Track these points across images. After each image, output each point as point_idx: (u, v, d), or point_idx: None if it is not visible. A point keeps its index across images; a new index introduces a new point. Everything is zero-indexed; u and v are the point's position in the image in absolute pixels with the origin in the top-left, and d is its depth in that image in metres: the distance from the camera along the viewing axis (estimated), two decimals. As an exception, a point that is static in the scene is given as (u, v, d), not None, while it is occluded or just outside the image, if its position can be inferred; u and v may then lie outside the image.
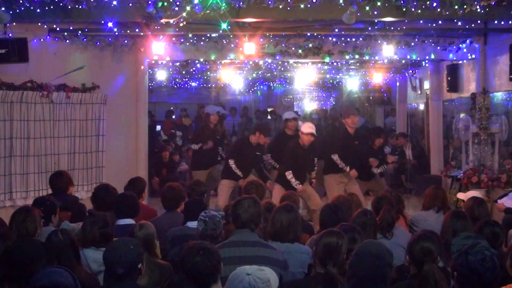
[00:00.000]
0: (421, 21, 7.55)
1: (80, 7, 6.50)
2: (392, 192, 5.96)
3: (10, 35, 7.05)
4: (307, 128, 7.69)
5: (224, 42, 8.51)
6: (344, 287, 3.23)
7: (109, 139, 8.56)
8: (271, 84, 16.72)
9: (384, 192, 5.79)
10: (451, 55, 9.00)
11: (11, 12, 6.53)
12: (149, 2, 6.03)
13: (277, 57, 8.83)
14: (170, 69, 11.86)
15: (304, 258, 4.05)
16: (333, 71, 12.67)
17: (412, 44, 8.65)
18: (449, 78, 9.86)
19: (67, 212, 5.18)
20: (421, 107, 12.68)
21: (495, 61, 8.50)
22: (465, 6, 6.30)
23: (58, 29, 7.76)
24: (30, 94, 7.56)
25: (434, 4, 6.35)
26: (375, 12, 6.50)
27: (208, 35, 8.20)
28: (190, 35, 8.17)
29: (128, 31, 7.70)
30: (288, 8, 6.48)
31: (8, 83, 7.38)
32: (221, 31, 7.30)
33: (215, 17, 6.53)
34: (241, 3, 6.48)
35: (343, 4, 6.39)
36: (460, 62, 9.44)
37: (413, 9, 6.54)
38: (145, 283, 3.62)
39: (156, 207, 6.19)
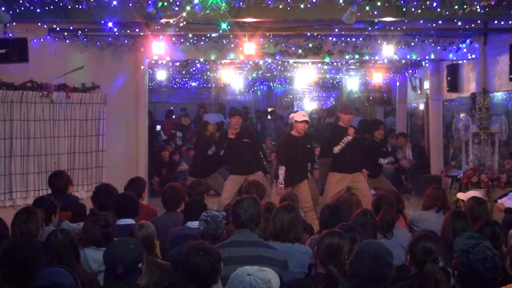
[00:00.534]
0: (421, 21, 7.55)
1: (80, 7, 6.50)
2: (392, 192, 5.96)
3: (10, 35, 7.05)
4: (300, 116, 7.60)
5: (224, 42, 8.51)
6: (345, 287, 3.23)
7: (109, 139, 8.56)
8: (271, 84, 16.72)
9: (384, 192, 5.79)
10: (451, 55, 9.00)
11: (11, 12, 6.53)
12: (149, 2, 6.03)
13: (277, 57, 8.83)
14: (170, 69, 11.86)
15: (304, 258, 4.06)
16: (333, 71, 12.66)
17: (412, 44, 8.64)
18: (449, 78, 9.86)
19: (67, 212, 5.18)
20: (421, 107, 12.68)
21: (495, 61, 8.50)
22: (465, 6, 6.30)
23: (58, 29, 7.76)
24: (30, 94, 7.56)
25: (434, 4, 6.35)
26: (375, 12, 6.49)
27: (208, 35, 8.20)
28: (190, 35, 8.17)
29: (128, 31, 7.70)
30: (288, 8, 6.48)
31: (8, 83, 7.38)
32: (221, 31, 7.30)
33: (215, 17, 6.53)
34: (241, 3, 6.48)
35: (343, 4, 6.39)
36: (460, 62, 9.44)
37: (413, 9, 6.54)
38: (145, 283, 3.62)
39: (156, 207, 6.19)
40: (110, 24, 6.91)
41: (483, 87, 8.73)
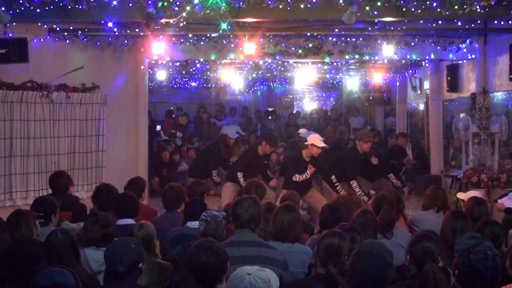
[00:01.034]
0: (421, 21, 7.55)
1: (80, 7, 6.50)
2: (392, 192, 5.96)
3: (10, 35, 7.05)
4: (319, 141, 7.37)
5: (224, 42, 8.51)
6: (345, 287, 3.23)
7: (109, 139, 8.56)
8: (271, 84, 16.72)
9: (384, 192, 5.79)
10: (451, 55, 9.00)
11: (11, 12, 6.53)
12: (149, 2, 6.03)
13: (277, 57, 8.84)
14: (170, 69, 11.86)
15: (304, 258, 4.06)
16: (333, 71, 12.67)
17: (412, 44, 8.65)
18: (449, 78, 9.86)
19: (67, 212, 5.18)
20: (421, 107, 12.68)
21: (495, 61, 8.50)
22: (465, 6, 6.30)
23: (58, 29, 7.76)
24: (30, 94, 7.56)
25: (434, 4, 6.36)
26: (375, 12, 6.50)
27: (208, 35, 8.21)
28: (190, 35, 8.17)
29: (128, 31, 7.70)
30: (288, 8, 6.48)
31: (8, 83, 7.38)
32: (221, 31, 7.30)
33: (215, 17, 6.53)
34: (241, 3, 6.49)
35: (343, 4, 6.39)
36: (460, 62, 9.45)
37: (413, 9, 6.55)
38: (145, 283, 3.62)
39: (156, 207, 6.18)
40: (110, 24, 6.90)
41: (483, 87, 8.73)
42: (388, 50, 8.28)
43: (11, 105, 7.40)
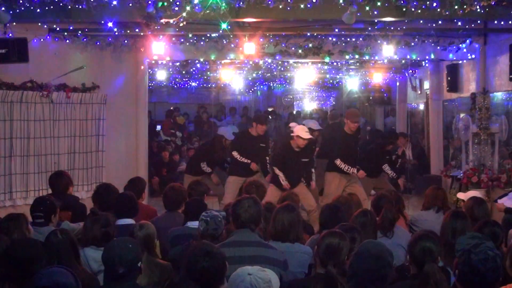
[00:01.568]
0: (421, 21, 7.54)
1: (80, 7, 6.49)
2: (392, 192, 5.96)
3: (10, 35, 7.05)
4: (304, 132, 7.46)
5: (224, 42, 8.51)
6: (344, 287, 3.23)
7: (109, 139, 8.56)
8: (271, 84, 16.73)
9: (384, 192, 5.79)
10: (451, 55, 9.00)
11: (11, 12, 6.53)
12: (149, 2, 6.03)
13: (277, 57, 8.83)
14: (170, 69, 11.86)
15: (304, 258, 4.06)
16: (333, 71, 12.67)
17: (412, 44, 8.65)
18: (449, 78, 9.86)
19: (67, 212, 5.18)
20: (421, 107, 12.68)
21: (495, 61, 8.50)
22: (465, 6, 6.30)
23: (58, 29, 7.76)
24: (30, 94, 7.56)
25: (434, 4, 6.35)
26: (375, 12, 6.50)
27: (208, 35, 8.21)
28: (190, 35, 8.17)
29: (128, 31, 7.70)
30: (288, 8, 6.48)
31: (8, 83, 7.38)
32: (221, 31, 7.30)
33: (215, 17, 6.53)
34: (241, 3, 6.48)
35: (343, 4, 6.39)
36: (460, 62, 9.45)
37: (413, 9, 6.54)
38: (145, 283, 3.62)
39: (156, 207, 6.18)
40: (110, 24, 6.91)
41: (483, 87, 8.73)
42: (388, 50, 8.28)
43: (11, 105, 7.40)
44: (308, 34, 8.28)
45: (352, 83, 14.55)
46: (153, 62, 9.62)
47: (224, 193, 8.29)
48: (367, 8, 6.39)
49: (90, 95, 8.32)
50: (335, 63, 10.36)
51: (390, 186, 8.44)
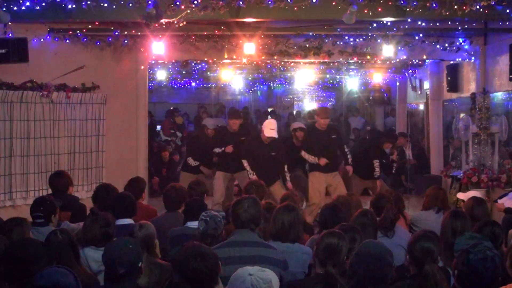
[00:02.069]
0: (421, 21, 7.54)
1: (80, 7, 6.50)
2: (392, 192, 5.96)
3: (10, 35, 7.05)
4: (268, 130, 7.59)
5: (224, 42, 8.51)
6: (344, 287, 3.23)
7: (109, 139, 8.55)
8: (271, 84, 16.73)
9: (384, 192, 5.80)
10: (451, 55, 8.99)
11: (12, 11, 6.52)
12: (149, 2, 6.02)
13: (277, 57, 8.83)
14: (170, 69, 11.86)
15: (304, 258, 4.06)
16: (333, 71, 12.68)
17: (412, 44, 8.64)
18: (449, 78, 9.86)
19: (67, 212, 5.19)
20: (421, 107, 12.68)
21: (495, 61, 8.50)
22: (464, 8, 6.30)
23: (58, 29, 7.76)
24: (30, 94, 7.56)
25: (434, 4, 6.35)
26: (375, 12, 6.50)
27: (208, 35, 8.20)
28: (190, 35, 8.17)
29: (128, 31, 7.69)
30: (287, 8, 6.48)
31: (8, 83, 7.38)
32: (221, 31, 7.30)
33: (215, 17, 6.52)
34: (241, 3, 6.48)
35: (343, 4, 6.39)
36: (460, 62, 9.44)
37: (413, 9, 6.54)
38: (145, 283, 3.62)
39: (156, 207, 6.18)
40: (110, 24, 6.90)
41: (483, 87, 8.73)
42: (388, 50, 8.27)
43: (11, 105, 7.40)
44: (309, 34, 8.28)
45: (352, 83, 14.55)
46: (153, 62, 9.61)
47: (214, 191, 8.24)
48: (367, 8, 6.39)
49: (90, 95, 8.32)
50: (335, 63, 10.36)
51: (387, 187, 8.46)
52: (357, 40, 8.56)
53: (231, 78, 12.86)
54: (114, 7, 6.58)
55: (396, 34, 8.16)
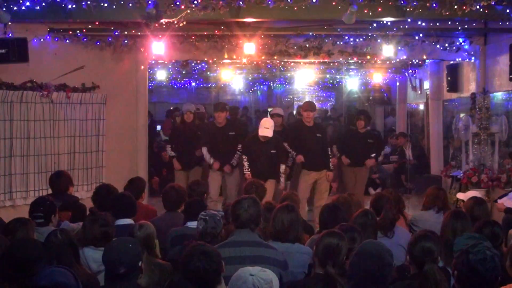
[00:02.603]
0: (421, 21, 7.54)
1: (80, 7, 6.49)
2: (392, 192, 5.96)
3: (10, 35, 7.05)
4: (263, 129, 7.61)
5: (224, 42, 8.51)
6: (344, 287, 3.23)
7: (109, 139, 8.55)
8: (271, 84, 16.72)
9: (384, 192, 5.79)
10: (451, 55, 8.99)
11: (12, 10, 6.52)
12: (149, 2, 6.02)
13: (277, 57, 8.83)
14: (170, 69, 11.86)
15: (304, 259, 4.05)
16: (333, 71, 12.67)
17: (412, 44, 8.64)
18: (449, 78, 9.85)
19: (67, 212, 5.19)
20: (421, 107, 12.68)
21: (495, 61, 8.50)
22: (464, 8, 6.30)
23: (58, 29, 7.76)
24: (30, 94, 7.55)
25: (434, 4, 6.35)
26: (375, 12, 6.50)
27: (208, 35, 8.20)
28: (190, 35, 8.17)
29: (128, 31, 7.69)
30: (287, 8, 6.48)
31: (8, 83, 7.37)
32: (221, 31, 7.30)
33: (215, 17, 6.52)
34: (241, 3, 6.48)
35: (343, 4, 6.39)
36: (460, 62, 9.44)
37: (413, 9, 6.54)
38: (145, 283, 3.62)
39: (156, 207, 6.18)
40: (110, 24, 6.90)
41: (483, 87, 8.73)
42: (388, 50, 8.27)
43: (11, 105, 7.39)
44: (309, 34, 8.28)
45: (352, 83, 14.55)
46: (153, 62, 9.61)
47: (209, 187, 8.17)
48: (367, 8, 6.39)
49: (90, 95, 8.32)
50: (335, 63, 10.36)
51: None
52: (357, 40, 8.55)
53: (231, 78, 12.85)
54: (114, 7, 6.58)
55: (396, 34, 8.16)
